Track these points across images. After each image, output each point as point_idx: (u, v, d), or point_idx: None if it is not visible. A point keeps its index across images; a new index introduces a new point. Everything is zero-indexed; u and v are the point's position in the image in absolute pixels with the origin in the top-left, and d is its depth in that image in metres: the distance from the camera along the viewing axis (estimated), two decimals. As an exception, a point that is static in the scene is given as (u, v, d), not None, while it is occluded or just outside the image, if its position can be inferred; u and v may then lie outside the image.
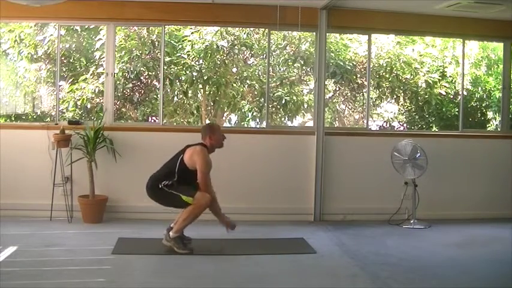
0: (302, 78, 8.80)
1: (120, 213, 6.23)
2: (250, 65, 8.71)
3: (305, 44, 8.43)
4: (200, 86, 8.43)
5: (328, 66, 7.63)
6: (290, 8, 6.39)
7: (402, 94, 8.93)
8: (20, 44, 7.84)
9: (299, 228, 6.06)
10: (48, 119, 7.60)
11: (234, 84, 8.47)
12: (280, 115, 8.59)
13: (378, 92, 8.75)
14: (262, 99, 8.01)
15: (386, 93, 8.81)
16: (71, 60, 8.22)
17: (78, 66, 8.23)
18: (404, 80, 8.66)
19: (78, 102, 7.86)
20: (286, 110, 8.42)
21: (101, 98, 7.56)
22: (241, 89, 8.54)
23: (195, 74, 8.21)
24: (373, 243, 5.59)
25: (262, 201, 6.46)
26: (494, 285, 4.34)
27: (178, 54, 8.13)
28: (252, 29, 8.11)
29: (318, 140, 6.52)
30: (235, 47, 8.36)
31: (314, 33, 6.77)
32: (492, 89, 8.78)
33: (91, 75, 7.96)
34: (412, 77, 8.65)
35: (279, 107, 8.43)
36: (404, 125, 9.25)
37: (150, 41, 8.03)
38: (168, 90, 8.13)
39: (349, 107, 9.34)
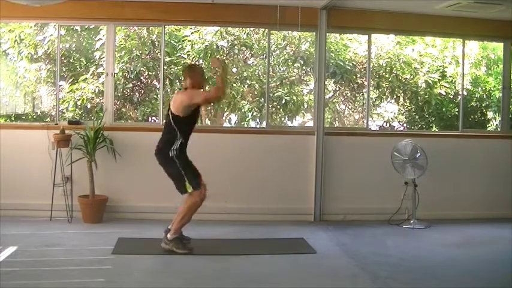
0: (302, 78, 8.79)
1: (120, 213, 6.23)
2: (250, 65, 8.70)
3: (305, 44, 8.42)
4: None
5: (328, 66, 7.62)
6: (290, 8, 6.39)
7: (402, 94, 8.91)
8: (20, 44, 7.83)
9: (299, 228, 6.06)
10: (48, 119, 7.60)
11: (234, 84, 8.47)
12: (280, 115, 8.58)
13: (377, 92, 8.73)
14: (262, 99, 8.00)
15: (386, 93, 8.80)
16: (71, 60, 8.21)
17: (78, 66, 8.22)
18: (404, 80, 8.65)
19: (78, 102, 7.85)
20: (286, 110, 8.41)
21: (101, 98, 7.56)
22: (241, 89, 8.54)
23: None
24: (373, 243, 5.59)
25: (262, 201, 6.46)
26: (494, 285, 4.34)
27: (178, 54, 8.13)
28: (252, 29, 8.11)
29: (318, 140, 6.52)
30: (235, 47, 8.35)
31: (314, 33, 6.77)
32: (492, 89, 8.77)
33: (91, 75, 7.95)
34: (412, 77, 8.64)
35: (279, 107, 8.42)
36: (404, 125, 9.23)
37: (150, 41, 8.03)
38: (168, 90, 8.12)
39: (349, 107, 9.33)
